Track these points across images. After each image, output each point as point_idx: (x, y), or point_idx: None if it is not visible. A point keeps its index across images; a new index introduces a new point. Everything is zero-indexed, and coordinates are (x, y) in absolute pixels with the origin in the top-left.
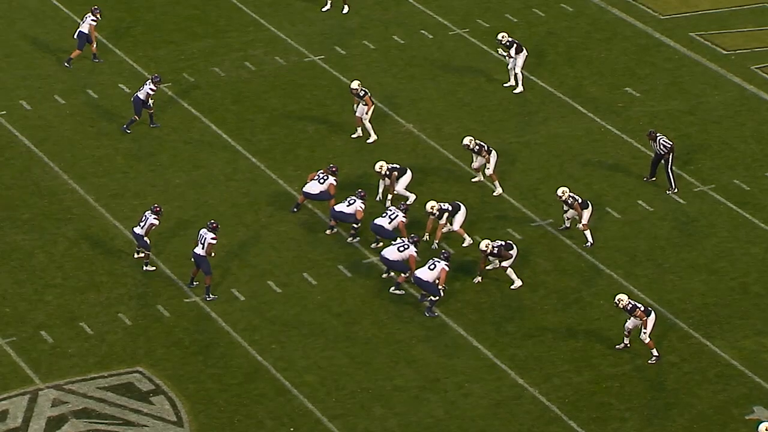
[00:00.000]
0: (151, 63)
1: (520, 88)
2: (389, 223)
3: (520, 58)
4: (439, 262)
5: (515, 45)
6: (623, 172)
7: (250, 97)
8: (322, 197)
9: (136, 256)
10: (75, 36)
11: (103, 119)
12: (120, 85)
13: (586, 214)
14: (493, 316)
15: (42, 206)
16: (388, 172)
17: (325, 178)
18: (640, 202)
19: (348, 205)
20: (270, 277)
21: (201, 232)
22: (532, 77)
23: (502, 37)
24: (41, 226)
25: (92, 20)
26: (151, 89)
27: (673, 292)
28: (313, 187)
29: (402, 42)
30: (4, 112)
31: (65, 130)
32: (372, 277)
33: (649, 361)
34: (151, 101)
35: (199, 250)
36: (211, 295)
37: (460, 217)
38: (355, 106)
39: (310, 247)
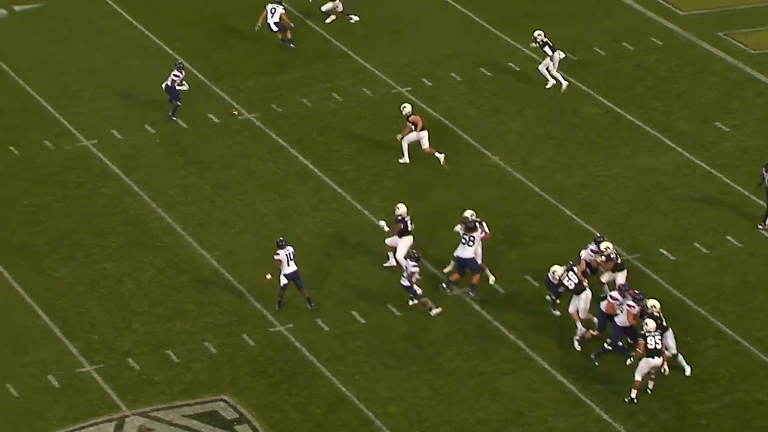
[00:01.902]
0: (240, 93)
1: (554, 84)
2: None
3: (555, 59)
4: (625, 303)
5: (548, 45)
6: (712, 206)
7: (337, 128)
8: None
9: (411, 303)
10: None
11: (192, 148)
12: (209, 115)
13: (621, 276)
14: (579, 349)
15: (131, 234)
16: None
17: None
18: (728, 237)
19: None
20: (354, 307)
21: (289, 250)
22: (619, 110)
23: (538, 35)
24: (130, 254)
25: (282, 9)
26: (174, 75)
27: (762, 330)
28: (464, 251)
29: (489, 74)
30: (96, 140)
31: (155, 158)
32: (456, 308)
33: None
34: (183, 85)
35: (292, 267)
36: (313, 305)
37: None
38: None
39: (394, 278)
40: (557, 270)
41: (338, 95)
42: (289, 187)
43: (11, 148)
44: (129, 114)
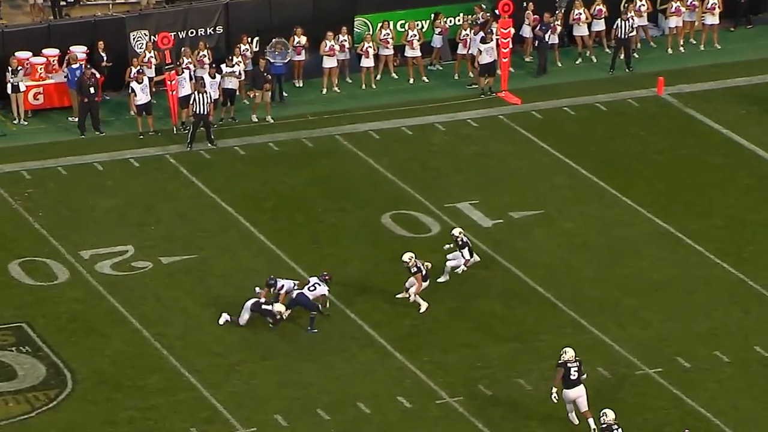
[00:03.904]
0: (438, 371)
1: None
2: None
3: (468, 257)
4: None
5: (468, 247)
6: None
7: (563, 418)
8: None
9: None
10: None
11: None
12: (399, 398)
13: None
14: None
15: None
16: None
17: None
18: None
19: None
20: None
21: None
22: None
23: (459, 233)
24: None
25: None
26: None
27: None
28: None
29: (766, 355)
30: (255, 429)
31: None
32: None
33: None
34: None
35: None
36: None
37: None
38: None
39: None
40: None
41: (526, 383)
42: None
43: None
44: (298, 395)
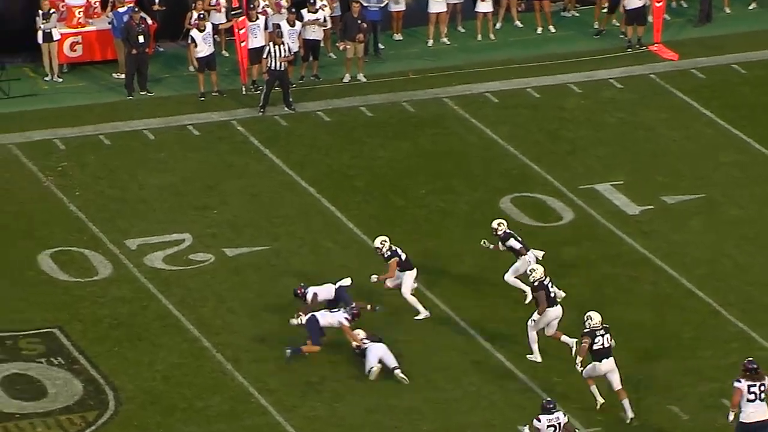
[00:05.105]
0: (570, 394)
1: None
2: None
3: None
4: None
5: (513, 238)
6: None
7: None
8: None
9: None
10: None
11: None
12: (520, 428)
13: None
14: None
15: None
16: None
17: None
18: None
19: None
20: None
21: None
22: None
23: (498, 225)
24: None
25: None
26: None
27: None
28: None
29: None
30: None
31: None
32: None
33: None
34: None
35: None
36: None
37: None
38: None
39: None
40: None
41: (681, 411)
42: None
43: None
44: (388, 424)
